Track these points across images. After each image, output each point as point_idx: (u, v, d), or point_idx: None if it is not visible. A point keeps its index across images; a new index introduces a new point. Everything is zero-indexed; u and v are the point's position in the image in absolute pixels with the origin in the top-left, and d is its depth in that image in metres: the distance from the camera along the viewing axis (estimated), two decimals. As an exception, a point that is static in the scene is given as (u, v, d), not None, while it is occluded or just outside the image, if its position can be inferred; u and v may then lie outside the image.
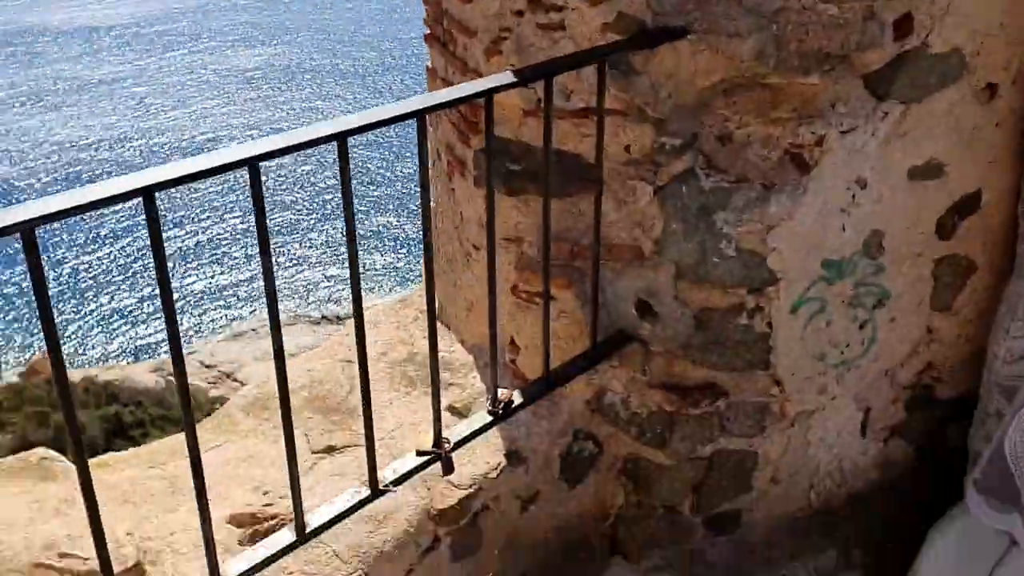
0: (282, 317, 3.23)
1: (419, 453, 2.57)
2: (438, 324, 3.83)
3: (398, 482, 2.48)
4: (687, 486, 3.35)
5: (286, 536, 2.36)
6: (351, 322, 4.19)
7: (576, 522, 3.42)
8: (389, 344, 3.69)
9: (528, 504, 3.27)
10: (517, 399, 2.81)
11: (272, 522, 2.87)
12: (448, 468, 2.61)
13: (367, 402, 2.34)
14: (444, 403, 3.37)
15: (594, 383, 3.27)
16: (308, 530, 2.36)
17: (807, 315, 3.22)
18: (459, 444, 2.63)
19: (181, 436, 3.63)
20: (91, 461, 3.42)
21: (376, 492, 2.45)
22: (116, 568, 2.74)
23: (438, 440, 2.59)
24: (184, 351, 2.04)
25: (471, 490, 3.08)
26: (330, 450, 3.21)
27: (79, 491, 3.15)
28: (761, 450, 3.39)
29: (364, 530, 2.91)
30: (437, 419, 2.57)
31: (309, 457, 3.17)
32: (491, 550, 3.19)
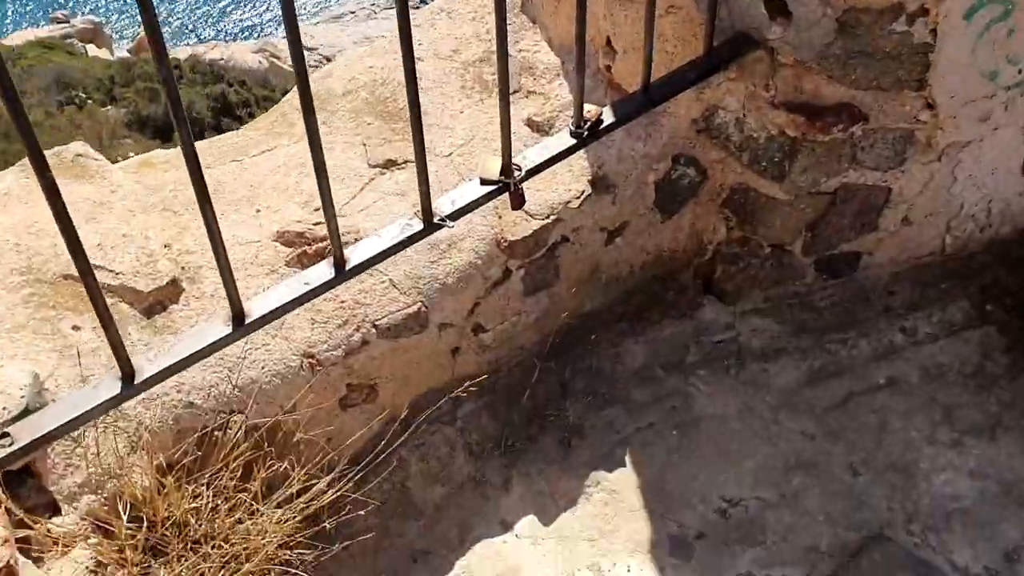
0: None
1: (483, 182, 2.14)
2: (522, 17, 3.24)
3: (456, 215, 2.08)
4: (802, 224, 2.87)
5: (324, 271, 2.02)
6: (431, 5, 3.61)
7: (667, 257, 3.02)
8: (463, 39, 3.14)
9: (613, 236, 2.86)
10: (608, 117, 2.31)
11: (322, 244, 2.54)
12: (518, 201, 2.18)
13: (415, 113, 1.88)
14: (522, 116, 2.88)
15: (704, 98, 2.71)
16: (348, 267, 2.01)
17: (985, 21, 2.54)
18: (532, 172, 2.18)
19: (234, 135, 3.26)
20: (131, 161, 3.10)
21: (430, 226, 2.06)
22: (149, 285, 2.48)
23: (507, 166, 2.14)
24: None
25: (548, 220, 2.67)
26: (390, 164, 2.80)
27: (115, 194, 2.88)
28: (896, 186, 2.85)
29: (425, 259, 2.57)
30: (507, 139, 2.11)
31: (366, 172, 2.77)
32: (568, 285, 2.84)
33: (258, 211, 2.75)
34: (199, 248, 2.59)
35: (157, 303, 2.45)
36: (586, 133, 2.26)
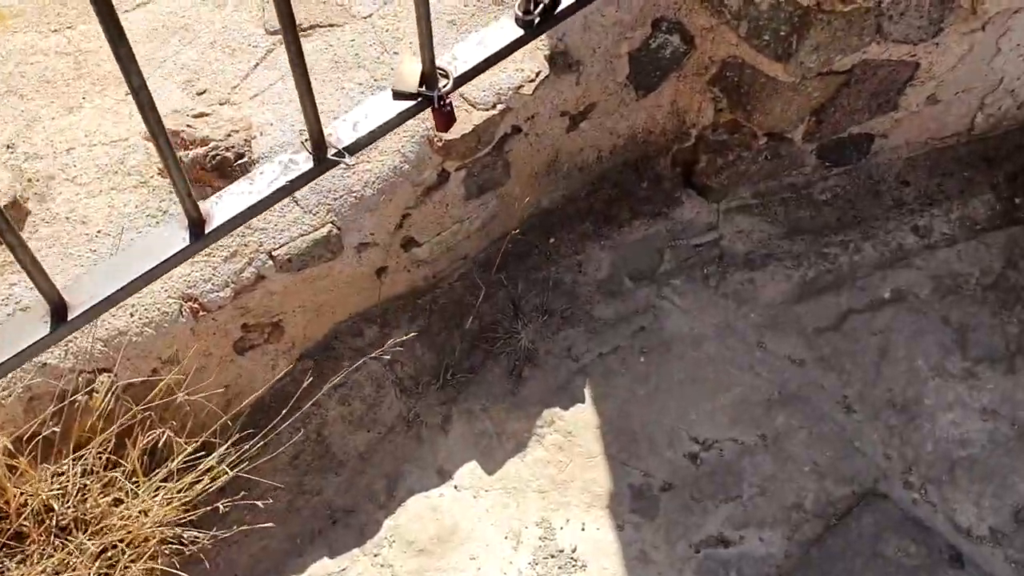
0: None
1: (397, 95, 1.59)
2: None
3: (359, 146, 1.55)
4: (806, 110, 2.34)
5: (173, 235, 1.49)
6: None
7: (641, 141, 2.49)
8: None
9: (577, 121, 2.33)
10: (567, -7, 1.72)
11: (202, 150, 2.00)
12: (444, 121, 1.64)
13: None
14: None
15: (694, -49, 2.11)
16: (207, 229, 1.49)
17: None
18: (464, 79, 1.63)
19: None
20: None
21: (321, 163, 1.53)
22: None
23: (430, 72, 1.58)
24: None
25: (494, 111, 2.12)
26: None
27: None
28: (926, 60, 2.30)
29: (334, 171, 2.04)
30: (426, 33, 1.54)
31: (262, 41, 2.18)
32: (521, 182, 2.34)
33: (128, 94, 2.17)
34: (51, 150, 2.04)
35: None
36: (538, 19, 1.69)
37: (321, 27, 2.21)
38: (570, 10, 1.74)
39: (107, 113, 2.12)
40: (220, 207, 1.50)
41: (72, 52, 2.27)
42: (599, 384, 2.32)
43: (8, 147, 2.04)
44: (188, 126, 2.03)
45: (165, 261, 1.45)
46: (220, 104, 2.11)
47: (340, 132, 1.58)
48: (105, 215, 1.95)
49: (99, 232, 1.93)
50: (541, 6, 1.70)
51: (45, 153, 2.03)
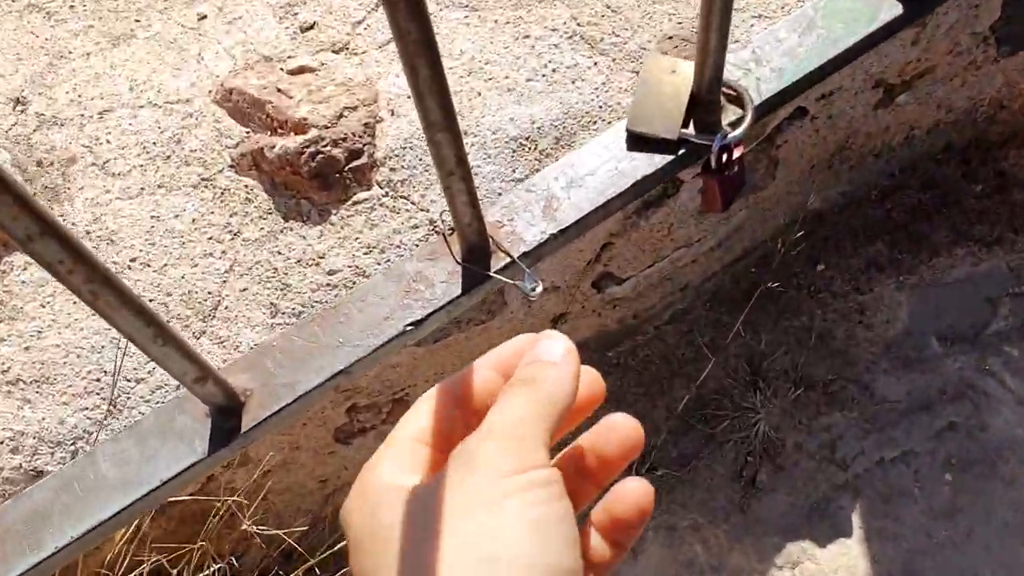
0: None
1: (637, 139, 0.79)
2: None
3: (546, 252, 0.78)
4: None
5: (190, 438, 0.79)
6: None
7: (981, 119, 1.57)
8: None
9: (896, 93, 1.44)
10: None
11: (298, 142, 1.23)
12: (727, 189, 0.83)
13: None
14: None
15: None
16: (251, 419, 0.78)
17: None
18: (776, 103, 0.81)
19: None
20: None
21: (475, 286, 0.78)
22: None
23: (710, 91, 0.77)
24: None
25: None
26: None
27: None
28: None
29: (505, 167, 1.26)
30: (718, 23, 0.72)
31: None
32: (787, 183, 1.49)
33: (203, 17, 1.42)
34: (78, 111, 1.33)
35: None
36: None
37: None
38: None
39: (167, 50, 1.38)
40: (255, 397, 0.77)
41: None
42: (876, 512, 1.52)
43: (17, 102, 1.34)
44: (279, 91, 1.27)
45: (141, 497, 0.74)
46: (334, 51, 1.33)
47: (519, 221, 0.81)
48: (144, 232, 1.24)
49: (133, 260, 1.24)
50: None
51: (68, 116, 1.33)
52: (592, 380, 0.51)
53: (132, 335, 0.59)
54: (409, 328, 0.76)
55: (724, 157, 0.80)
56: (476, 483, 0.40)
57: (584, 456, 0.49)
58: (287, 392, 0.74)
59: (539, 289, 0.73)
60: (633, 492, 0.47)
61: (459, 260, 0.76)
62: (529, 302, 1.31)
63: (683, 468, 1.56)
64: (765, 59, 0.83)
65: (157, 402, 1.18)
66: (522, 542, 0.38)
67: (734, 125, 0.81)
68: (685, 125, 0.80)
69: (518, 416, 0.42)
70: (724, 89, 0.80)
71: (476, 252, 0.77)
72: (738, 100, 0.81)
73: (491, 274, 0.76)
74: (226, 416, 0.74)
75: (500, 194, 1.19)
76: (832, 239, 1.63)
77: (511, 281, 0.75)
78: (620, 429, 0.48)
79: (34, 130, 1.31)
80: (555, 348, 0.46)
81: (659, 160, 0.79)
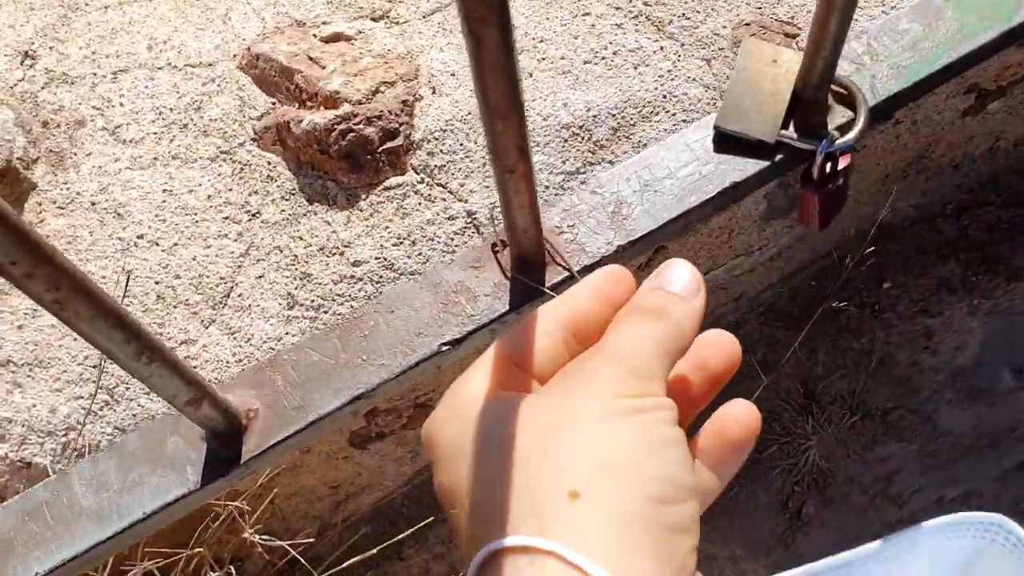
0: None
1: (727, 141, 0.67)
2: None
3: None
4: None
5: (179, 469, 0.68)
6: None
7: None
8: None
9: (990, 99, 1.30)
10: None
11: (328, 118, 1.12)
12: (828, 204, 0.69)
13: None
14: None
15: None
16: (252, 448, 0.67)
17: None
18: (897, 102, 0.69)
19: None
20: None
21: (516, 298, 0.66)
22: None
23: (820, 85, 0.65)
24: None
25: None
26: None
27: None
28: None
29: (557, 158, 1.13)
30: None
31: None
32: (859, 190, 1.36)
33: (233, -26, 1.30)
34: (91, 69, 1.22)
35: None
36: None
37: None
38: None
39: (191, 7, 1.27)
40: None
41: None
42: None
43: (26, 56, 1.23)
44: (311, 59, 1.15)
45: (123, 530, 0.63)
46: (373, 18, 1.21)
47: (582, 228, 0.70)
48: (154, 206, 1.13)
49: (140, 237, 1.12)
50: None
51: (80, 74, 1.21)
52: (729, 347, 0.48)
53: (110, 351, 0.47)
54: (445, 348, 0.64)
55: (828, 167, 0.68)
56: (592, 398, 0.38)
57: (686, 379, 0.46)
58: (298, 416, 0.62)
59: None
60: (744, 412, 0.45)
61: (509, 272, 0.64)
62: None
63: (724, 494, 1.44)
64: (883, 53, 0.70)
65: (158, 397, 1.07)
66: (643, 453, 0.37)
67: (842, 129, 0.68)
68: (784, 126, 0.67)
69: (642, 346, 0.40)
70: (833, 86, 0.68)
71: (528, 262, 0.65)
72: (848, 100, 0.69)
73: (546, 290, 0.64)
74: (225, 441, 0.63)
75: (548, 188, 1.07)
76: (901, 255, 1.49)
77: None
78: (716, 343, 0.46)
79: (42, 87, 1.20)
80: (682, 278, 0.44)
81: (751, 165, 0.67)
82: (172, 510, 0.62)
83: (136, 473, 0.63)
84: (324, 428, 0.64)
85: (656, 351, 0.41)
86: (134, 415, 1.08)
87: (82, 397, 1.08)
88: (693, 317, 0.43)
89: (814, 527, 1.42)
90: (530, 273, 0.65)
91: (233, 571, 1.18)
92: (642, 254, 0.70)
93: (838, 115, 0.68)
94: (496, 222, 0.97)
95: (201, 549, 1.16)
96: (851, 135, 0.67)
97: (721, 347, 0.47)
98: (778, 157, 0.67)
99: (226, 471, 0.62)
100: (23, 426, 1.08)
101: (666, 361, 0.41)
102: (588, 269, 0.67)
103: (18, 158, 1.12)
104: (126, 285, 1.03)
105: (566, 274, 0.66)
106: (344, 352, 0.64)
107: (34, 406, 1.08)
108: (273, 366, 0.65)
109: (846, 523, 1.42)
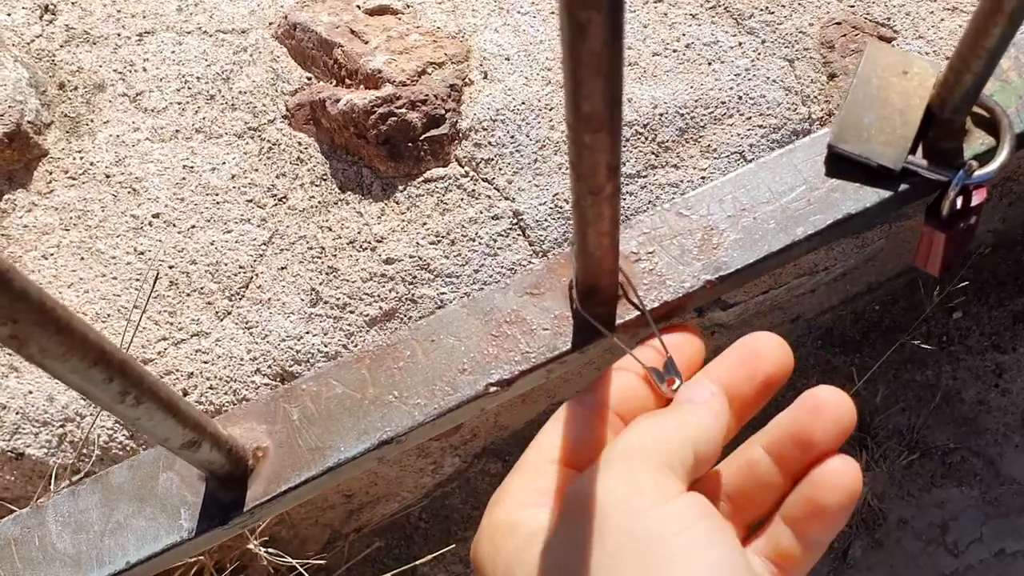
0: None
1: (835, 158, 0.57)
2: None
3: (677, 311, 0.56)
4: None
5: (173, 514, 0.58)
6: None
7: None
8: None
9: None
10: None
11: (367, 99, 1.02)
12: (954, 245, 0.55)
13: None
14: None
15: None
16: (257, 497, 0.58)
17: None
18: None
19: None
20: None
21: (584, 342, 0.57)
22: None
23: (963, 104, 0.54)
24: None
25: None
26: None
27: None
28: None
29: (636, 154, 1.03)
30: None
31: None
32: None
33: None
34: (115, 29, 1.12)
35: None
36: None
37: None
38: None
39: (228, -32, 1.16)
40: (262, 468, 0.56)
41: None
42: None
43: (45, 10, 1.14)
44: (353, 32, 1.05)
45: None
46: (423, -9, 1.10)
47: (662, 256, 0.58)
48: (173, 183, 1.03)
49: (155, 216, 1.03)
50: None
51: (103, 34, 1.12)
52: (782, 353, 0.45)
53: (86, 391, 0.38)
54: (493, 389, 0.54)
55: (959, 202, 0.57)
56: (608, 529, 0.37)
57: (738, 385, 0.45)
58: (313, 459, 0.53)
59: (677, 385, 0.51)
60: (844, 474, 0.41)
61: (576, 305, 0.54)
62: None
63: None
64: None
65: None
66: None
67: (980, 159, 0.57)
68: (912, 150, 0.56)
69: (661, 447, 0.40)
70: (978, 107, 0.57)
71: (596, 293, 0.54)
72: (989, 124, 0.58)
73: (616, 339, 0.53)
74: (227, 483, 0.53)
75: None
76: (975, 284, 1.38)
77: (645, 365, 0.51)
78: (830, 407, 0.43)
79: (61, 46, 1.10)
80: (703, 394, 0.43)
81: (871, 194, 0.56)
82: (161, 560, 0.53)
83: (121, 513, 0.53)
84: (344, 474, 0.54)
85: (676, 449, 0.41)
86: (105, 472, 1.00)
87: (82, 386, 0.99)
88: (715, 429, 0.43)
89: (860, 571, 1.31)
90: (597, 305, 0.55)
91: (234, 581, 1.10)
92: (731, 291, 0.60)
93: (976, 141, 0.57)
94: (569, 241, 0.87)
95: (202, 556, 1.08)
96: (992, 167, 0.56)
97: (835, 413, 0.45)
98: (902, 187, 0.57)
99: (226, 519, 0.52)
100: (17, 413, 0.99)
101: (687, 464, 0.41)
102: (666, 306, 0.56)
103: (29, 121, 1.03)
104: (151, 288, 0.94)
105: (636, 313, 0.56)
106: (373, 386, 0.54)
107: (30, 392, 1.00)
108: (289, 397, 0.55)
109: (895, 569, 1.31)
